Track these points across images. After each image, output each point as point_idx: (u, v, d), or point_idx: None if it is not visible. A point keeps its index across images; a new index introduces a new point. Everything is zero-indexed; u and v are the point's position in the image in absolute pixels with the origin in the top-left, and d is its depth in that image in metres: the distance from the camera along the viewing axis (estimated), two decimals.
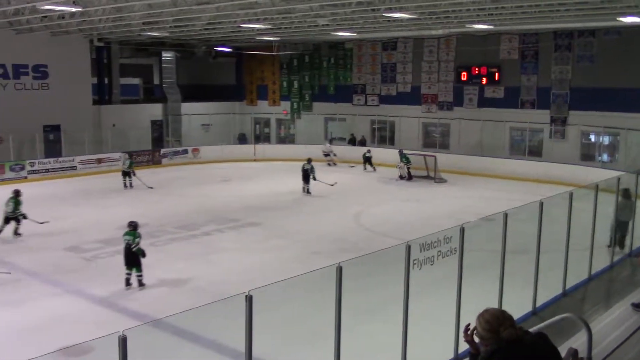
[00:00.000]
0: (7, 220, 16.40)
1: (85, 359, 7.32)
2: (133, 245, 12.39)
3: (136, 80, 37.60)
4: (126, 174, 24.06)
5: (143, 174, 24.70)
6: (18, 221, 16.53)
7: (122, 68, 33.60)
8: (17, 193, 16.97)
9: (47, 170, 25.99)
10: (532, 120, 27.03)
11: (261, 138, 36.14)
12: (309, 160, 23.08)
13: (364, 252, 11.87)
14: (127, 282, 12.37)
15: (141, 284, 12.42)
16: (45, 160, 26.27)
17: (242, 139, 35.51)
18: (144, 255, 12.45)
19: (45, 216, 18.20)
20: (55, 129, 28.31)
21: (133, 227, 12.65)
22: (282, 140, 35.92)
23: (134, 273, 12.40)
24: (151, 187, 23.68)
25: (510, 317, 3.68)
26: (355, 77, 33.26)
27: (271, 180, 26.04)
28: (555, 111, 26.82)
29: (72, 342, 8.03)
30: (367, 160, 28.43)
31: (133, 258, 12.40)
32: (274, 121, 36.63)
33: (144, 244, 12.52)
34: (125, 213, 18.93)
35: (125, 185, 23.95)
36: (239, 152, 31.91)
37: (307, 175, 22.63)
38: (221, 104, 36.27)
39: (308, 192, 22.44)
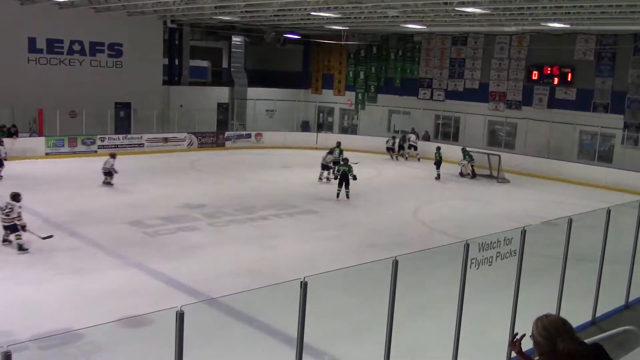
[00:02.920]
0: (334, 164, 22.07)
1: (144, 330, 7.56)
2: (350, 174, 19.61)
3: (205, 63, 38.30)
4: (336, 162, 24.84)
5: (208, 155, 25.15)
6: (329, 169, 22.42)
7: (192, 50, 34.29)
8: (339, 144, 23.88)
9: (116, 146, 26.81)
10: (604, 124, 26.06)
11: (324, 127, 36.21)
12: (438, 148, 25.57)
13: (420, 247, 11.79)
14: (338, 195, 19.54)
15: (348, 197, 19.48)
16: (115, 136, 27.16)
17: (305, 127, 35.69)
18: (355, 178, 19.80)
19: (116, 188, 18.93)
20: (126, 106, 29.22)
21: (346, 161, 20.35)
22: (344, 130, 35.89)
23: (344, 189, 19.54)
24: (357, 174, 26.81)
25: (570, 329, 3.54)
26: (422, 71, 32.86)
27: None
28: (630, 117, 25.79)
29: (131, 313, 8.33)
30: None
31: (346, 180, 19.50)
32: (337, 111, 36.64)
33: (202, 224, 12.82)
34: (188, 192, 19.50)
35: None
36: (301, 139, 32.10)
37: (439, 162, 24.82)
38: (286, 91, 36.53)
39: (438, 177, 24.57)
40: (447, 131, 31.88)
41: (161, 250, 13.63)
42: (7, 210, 13.01)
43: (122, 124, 28.73)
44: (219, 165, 26.01)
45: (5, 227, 13.09)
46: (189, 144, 29.30)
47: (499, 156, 25.22)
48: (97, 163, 21.12)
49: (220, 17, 28.02)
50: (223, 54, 39.33)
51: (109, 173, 20.05)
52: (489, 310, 9.41)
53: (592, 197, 20.87)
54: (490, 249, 7.84)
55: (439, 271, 9.73)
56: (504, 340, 8.07)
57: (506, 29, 26.06)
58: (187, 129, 29.62)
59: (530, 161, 26.74)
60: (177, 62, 33.29)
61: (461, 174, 25.66)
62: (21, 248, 12.86)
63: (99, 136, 26.46)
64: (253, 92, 34.77)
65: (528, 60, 28.66)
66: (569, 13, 20.42)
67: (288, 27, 32.46)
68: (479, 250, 7.62)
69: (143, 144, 27.80)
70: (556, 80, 27.76)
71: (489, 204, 20.72)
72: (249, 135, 31.45)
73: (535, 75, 28.42)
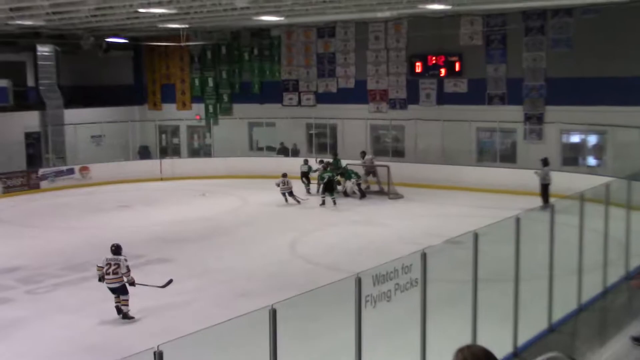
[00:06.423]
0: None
1: None
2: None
3: (4, 82, 36.58)
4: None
5: (19, 201, 24.02)
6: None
7: None
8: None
9: None
10: (503, 118, 27.66)
11: (169, 151, 35.77)
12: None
13: (303, 289, 11.83)
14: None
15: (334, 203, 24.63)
16: None
17: (144, 153, 35.06)
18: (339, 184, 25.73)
19: None
20: None
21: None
22: (195, 153, 35.67)
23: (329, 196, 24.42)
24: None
25: None
26: (285, 72, 33.40)
27: (183, 204, 25.85)
28: (530, 107, 27.60)
29: None
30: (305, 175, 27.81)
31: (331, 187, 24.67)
32: (184, 129, 36.34)
33: (18, 292, 12.17)
34: None
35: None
36: (141, 169, 31.47)
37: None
38: (116, 110, 35.70)
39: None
40: (323, 142, 32.48)
41: None
42: (114, 267, 13.23)
43: None
44: (34, 213, 24.88)
45: (114, 290, 13.25)
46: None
47: (388, 167, 26.05)
48: None
49: (18, 22, 26.91)
50: (27, 69, 37.79)
51: (290, 193, 24.88)
52: (393, 355, 9.59)
53: (498, 205, 21.96)
54: (387, 280, 8.02)
55: (329, 316, 9.79)
56: None
57: (379, 14, 27.08)
58: None
59: (423, 169, 27.84)
60: None
61: (345, 194, 26.17)
62: (126, 316, 13.17)
63: None
64: (72, 114, 33.60)
65: (409, 50, 29.96)
66: None
67: (111, 30, 31.79)
68: (374, 284, 7.77)
69: None
70: (443, 72, 29.22)
71: (381, 226, 21.30)
72: (71, 171, 30.34)
73: (418, 67, 29.75)
